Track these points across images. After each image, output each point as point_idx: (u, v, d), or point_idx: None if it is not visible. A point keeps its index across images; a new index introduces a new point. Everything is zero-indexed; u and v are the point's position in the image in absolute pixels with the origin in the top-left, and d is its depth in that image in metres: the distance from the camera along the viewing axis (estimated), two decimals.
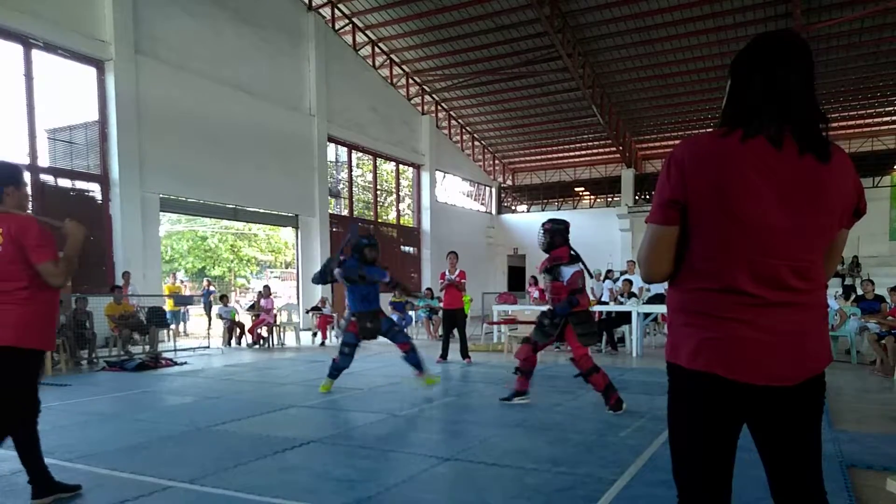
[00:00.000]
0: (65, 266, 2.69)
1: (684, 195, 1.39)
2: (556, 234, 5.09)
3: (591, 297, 10.21)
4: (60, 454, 3.58)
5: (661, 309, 9.47)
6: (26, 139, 10.36)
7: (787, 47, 1.39)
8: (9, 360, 2.66)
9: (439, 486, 3.27)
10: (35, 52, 10.47)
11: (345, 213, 17.80)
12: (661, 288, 10.12)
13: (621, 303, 9.55)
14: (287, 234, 21.52)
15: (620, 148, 21.52)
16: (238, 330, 11.58)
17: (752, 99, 1.39)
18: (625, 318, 9.42)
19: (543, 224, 5.19)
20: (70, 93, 11.17)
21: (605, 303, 10.24)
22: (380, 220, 19.47)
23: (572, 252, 5.04)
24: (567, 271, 4.96)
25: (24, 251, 2.61)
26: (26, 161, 10.18)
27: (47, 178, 10.67)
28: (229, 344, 11.33)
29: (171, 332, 10.74)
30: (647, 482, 3.17)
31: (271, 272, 27.82)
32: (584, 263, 5.11)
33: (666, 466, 3.71)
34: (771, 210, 1.34)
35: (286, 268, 26.58)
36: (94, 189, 11.33)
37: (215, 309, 13.03)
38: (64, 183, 10.92)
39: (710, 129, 1.47)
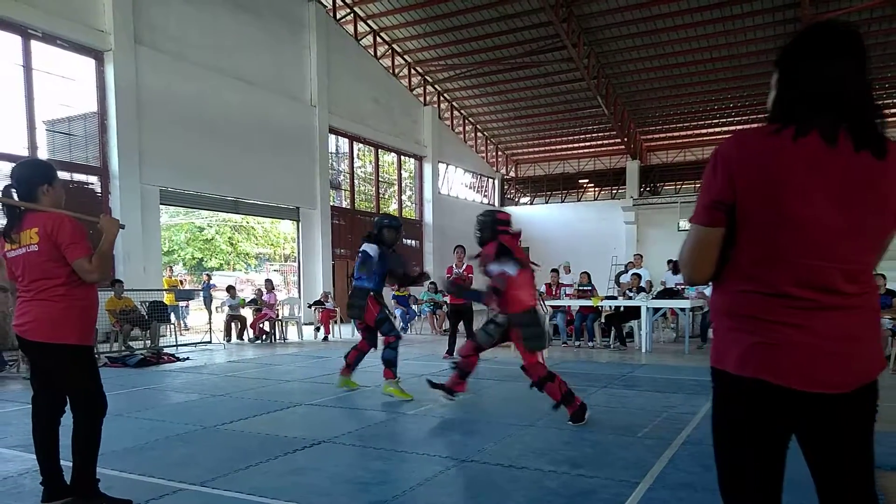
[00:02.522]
0: (98, 262, 2.74)
1: (732, 195, 1.32)
2: (485, 227, 4.51)
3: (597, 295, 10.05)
4: (65, 454, 3.48)
5: (671, 304, 9.40)
6: (25, 131, 10.22)
7: (837, 37, 1.32)
8: (49, 355, 2.75)
9: (457, 490, 3.19)
10: (34, 43, 10.31)
11: (346, 205, 17.67)
12: (672, 282, 10.03)
13: (630, 297, 9.44)
14: (286, 226, 21.38)
15: (625, 139, 21.34)
16: (239, 324, 11.48)
17: (803, 93, 1.31)
18: (633, 313, 9.32)
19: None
20: (69, 84, 11.00)
21: (613, 297, 10.15)
22: (381, 213, 19.34)
23: (502, 246, 4.39)
24: (493, 269, 4.38)
25: (58, 249, 2.67)
26: (25, 153, 10.04)
27: None
28: (230, 338, 11.24)
29: (172, 327, 10.64)
30: (670, 485, 3.10)
31: (270, 265, 27.70)
32: (516, 258, 4.39)
33: (687, 468, 3.60)
34: (824, 211, 1.27)
35: (285, 261, 26.46)
36: (94, 181, 11.21)
37: (216, 301, 12.93)
38: (63, 175, 10.74)
39: (760, 125, 1.38)
